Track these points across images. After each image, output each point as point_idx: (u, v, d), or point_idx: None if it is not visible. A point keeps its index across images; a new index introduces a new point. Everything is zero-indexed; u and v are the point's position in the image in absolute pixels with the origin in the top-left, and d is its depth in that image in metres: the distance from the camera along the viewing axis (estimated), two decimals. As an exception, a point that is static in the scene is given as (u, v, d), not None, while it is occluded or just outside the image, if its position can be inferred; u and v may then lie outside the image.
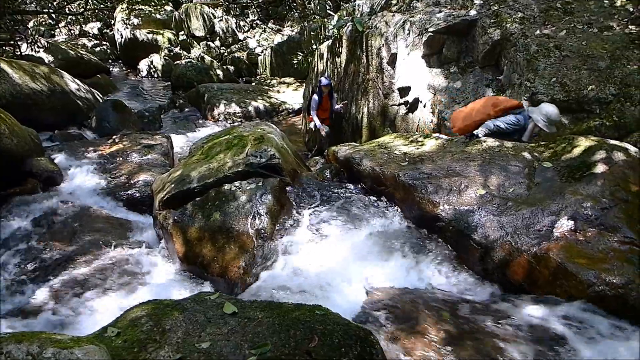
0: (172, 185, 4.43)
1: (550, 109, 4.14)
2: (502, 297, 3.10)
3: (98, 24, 20.72)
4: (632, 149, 3.56)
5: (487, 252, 3.26)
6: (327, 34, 10.00)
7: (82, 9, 15.27)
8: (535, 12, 5.39)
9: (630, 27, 4.88)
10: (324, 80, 7.03)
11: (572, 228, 3.07)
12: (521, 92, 4.85)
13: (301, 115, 10.06)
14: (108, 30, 19.96)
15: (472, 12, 5.62)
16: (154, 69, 15.98)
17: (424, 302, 2.92)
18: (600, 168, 3.36)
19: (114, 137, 7.38)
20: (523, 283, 3.08)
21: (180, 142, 8.80)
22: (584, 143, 3.68)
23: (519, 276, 3.10)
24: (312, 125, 7.41)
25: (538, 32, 5.12)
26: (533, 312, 2.79)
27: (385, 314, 2.74)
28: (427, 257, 3.46)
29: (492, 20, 5.42)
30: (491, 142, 4.15)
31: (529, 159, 3.80)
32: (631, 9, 5.02)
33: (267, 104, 11.73)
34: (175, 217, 4.18)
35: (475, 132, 4.31)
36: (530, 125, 4.26)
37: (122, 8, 17.03)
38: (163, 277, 4.08)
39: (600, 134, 4.20)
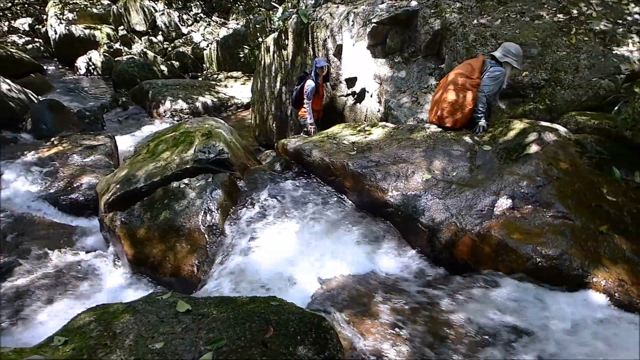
0: (118, 186, 4.28)
1: (513, 46, 4.13)
2: (451, 276, 3.24)
3: (29, 20, 19.45)
4: (562, 129, 3.80)
5: (434, 233, 3.39)
6: (272, 26, 9.93)
7: (10, 4, 14.29)
8: (472, 2, 5.61)
9: (558, 15, 5.18)
10: (320, 62, 6.09)
11: (511, 206, 3.25)
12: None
13: (250, 109, 9.96)
14: (40, 27, 18.79)
15: (413, 3, 5.77)
16: (93, 67, 15.23)
17: (376, 286, 3.01)
18: (534, 149, 3.57)
19: (52, 139, 7.00)
20: (469, 261, 3.23)
21: (125, 142, 8.48)
22: (518, 126, 3.88)
23: (464, 255, 3.25)
24: (304, 120, 6.37)
25: (475, 21, 5.33)
26: (479, 288, 2.94)
27: (339, 300, 2.79)
28: (378, 243, 3.55)
29: (432, 11, 5.58)
30: (434, 128, 4.30)
31: (470, 143, 3.97)
32: (558, -1, 5.33)
33: (215, 99, 11.52)
34: (123, 219, 4.06)
35: (480, 124, 4.11)
36: (507, 70, 4.18)
37: (54, 2, 16.08)
38: (113, 282, 3.96)
39: (535, 117, 4.45)
